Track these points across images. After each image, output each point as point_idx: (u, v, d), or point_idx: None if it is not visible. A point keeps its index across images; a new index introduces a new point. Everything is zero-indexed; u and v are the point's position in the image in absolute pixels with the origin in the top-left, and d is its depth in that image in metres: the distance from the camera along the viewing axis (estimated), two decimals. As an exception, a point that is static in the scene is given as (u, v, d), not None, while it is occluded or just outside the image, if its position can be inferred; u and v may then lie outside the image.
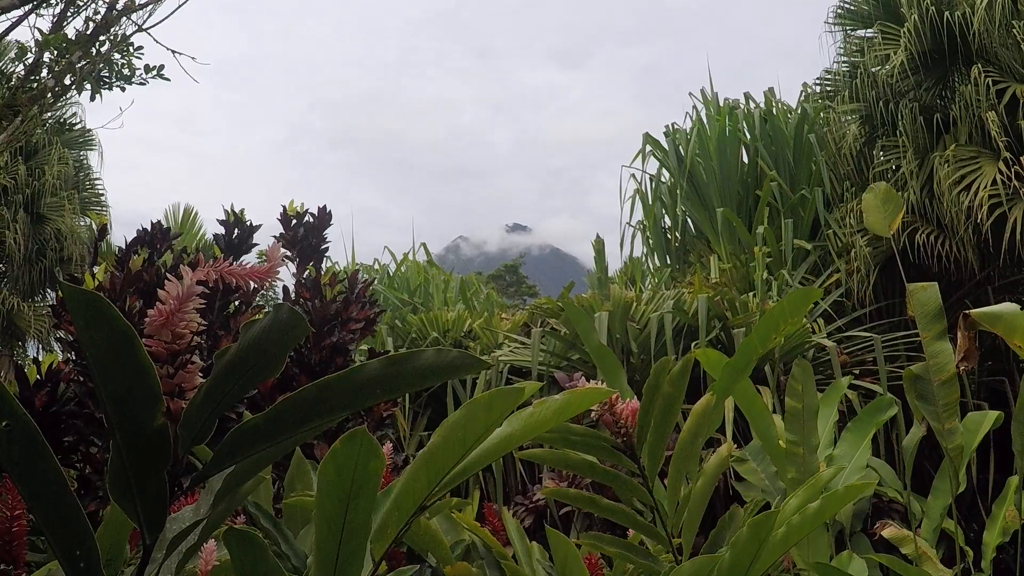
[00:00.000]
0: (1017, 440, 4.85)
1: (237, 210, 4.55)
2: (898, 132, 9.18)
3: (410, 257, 13.95)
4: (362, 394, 1.46)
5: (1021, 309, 3.52)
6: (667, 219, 10.95)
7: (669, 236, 10.93)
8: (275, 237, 4.71)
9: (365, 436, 1.67)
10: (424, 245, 14.57)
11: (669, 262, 10.86)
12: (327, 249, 4.80)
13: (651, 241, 11.04)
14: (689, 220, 10.90)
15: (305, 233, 4.73)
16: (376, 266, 13.93)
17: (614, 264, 11.68)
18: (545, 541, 5.50)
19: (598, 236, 9.55)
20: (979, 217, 8.10)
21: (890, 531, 4.98)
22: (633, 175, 11.24)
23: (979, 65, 8.65)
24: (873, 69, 9.74)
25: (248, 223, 4.54)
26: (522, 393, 2.25)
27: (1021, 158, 8.21)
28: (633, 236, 11.26)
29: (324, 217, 4.78)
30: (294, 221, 4.73)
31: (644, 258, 11.30)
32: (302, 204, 4.79)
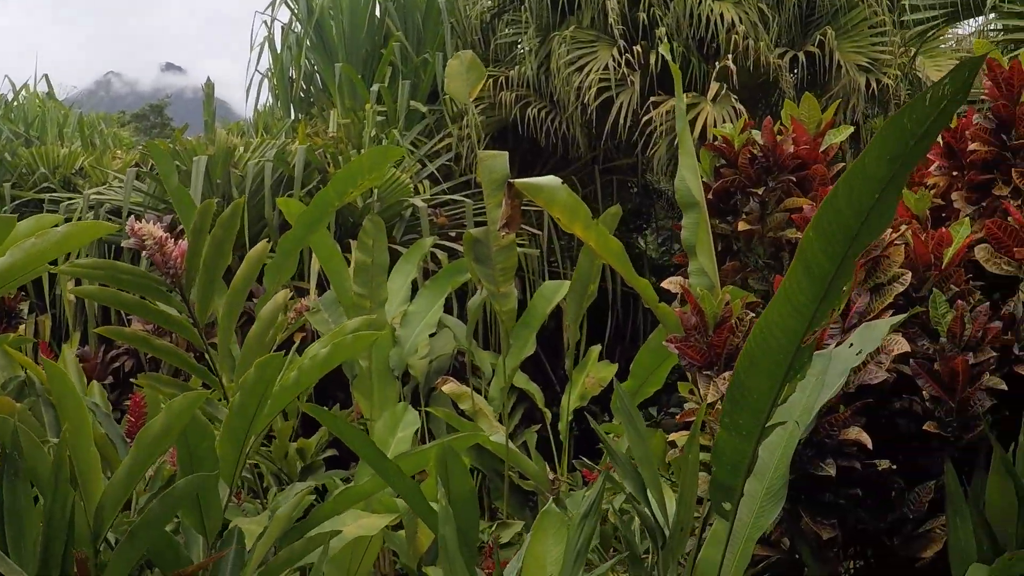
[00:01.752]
0: (569, 311, 5.17)
1: None
2: (523, 8, 9.37)
3: (31, 88, 13.19)
4: None
5: (583, 187, 3.70)
6: (293, 71, 10.78)
7: (295, 87, 10.77)
8: None
9: None
10: (47, 76, 13.74)
11: (294, 114, 10.73)
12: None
13: (277, 91, 10.86)
14: (318, 74, 10.77)
15: None
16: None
17: (248, 113, 11.45)
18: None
19: (208, 80, 9.30)
20: (587, 98, 8.45)
21: (449, 387, 5.18)
22: (265, 22, 10.98)
23: (610, -48, 8.89)
24: (509, -57, 9.84)
25: None
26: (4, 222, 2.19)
27: (634, 47, 8.57)
28: (260, 84, 11.05)
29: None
30: None
31: (269, 108, 11.14)
32: None
